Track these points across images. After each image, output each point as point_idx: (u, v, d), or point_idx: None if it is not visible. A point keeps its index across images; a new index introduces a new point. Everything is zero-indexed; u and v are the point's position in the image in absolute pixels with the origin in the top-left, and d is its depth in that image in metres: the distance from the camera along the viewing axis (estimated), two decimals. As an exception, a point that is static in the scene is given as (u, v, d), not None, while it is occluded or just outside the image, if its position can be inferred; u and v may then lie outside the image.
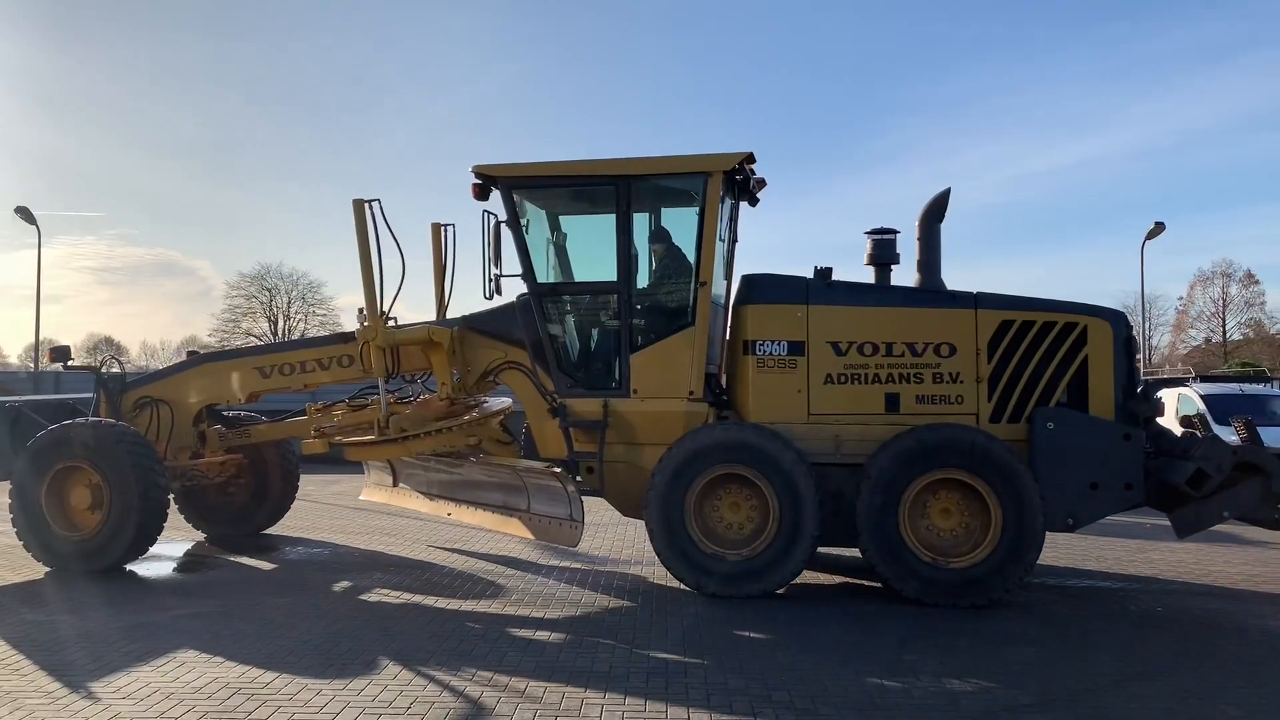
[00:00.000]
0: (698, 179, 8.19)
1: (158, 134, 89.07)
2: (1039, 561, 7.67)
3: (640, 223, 8.74)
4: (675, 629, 6.78)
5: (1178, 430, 8.61)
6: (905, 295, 8.35)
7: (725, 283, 8.95)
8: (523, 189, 8.61)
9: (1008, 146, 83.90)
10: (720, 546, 7.79)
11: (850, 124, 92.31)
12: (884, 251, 8.61)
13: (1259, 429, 8.07)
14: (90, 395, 9.89)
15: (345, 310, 62.71)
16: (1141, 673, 5.85)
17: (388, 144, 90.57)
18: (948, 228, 8.63)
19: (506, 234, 8.51)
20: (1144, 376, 9.20)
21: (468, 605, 7.53)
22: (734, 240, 9.05)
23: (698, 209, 8.22)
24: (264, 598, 7.74)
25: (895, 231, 8.66)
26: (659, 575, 8.39)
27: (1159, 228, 30.76)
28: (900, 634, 6.68)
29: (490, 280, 8.58)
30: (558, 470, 8.30)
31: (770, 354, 8.07)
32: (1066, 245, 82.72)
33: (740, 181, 8.55)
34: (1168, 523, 8.11)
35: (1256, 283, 53.57)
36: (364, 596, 7.82)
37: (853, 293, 8.23)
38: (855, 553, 7.97)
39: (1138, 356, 8.25)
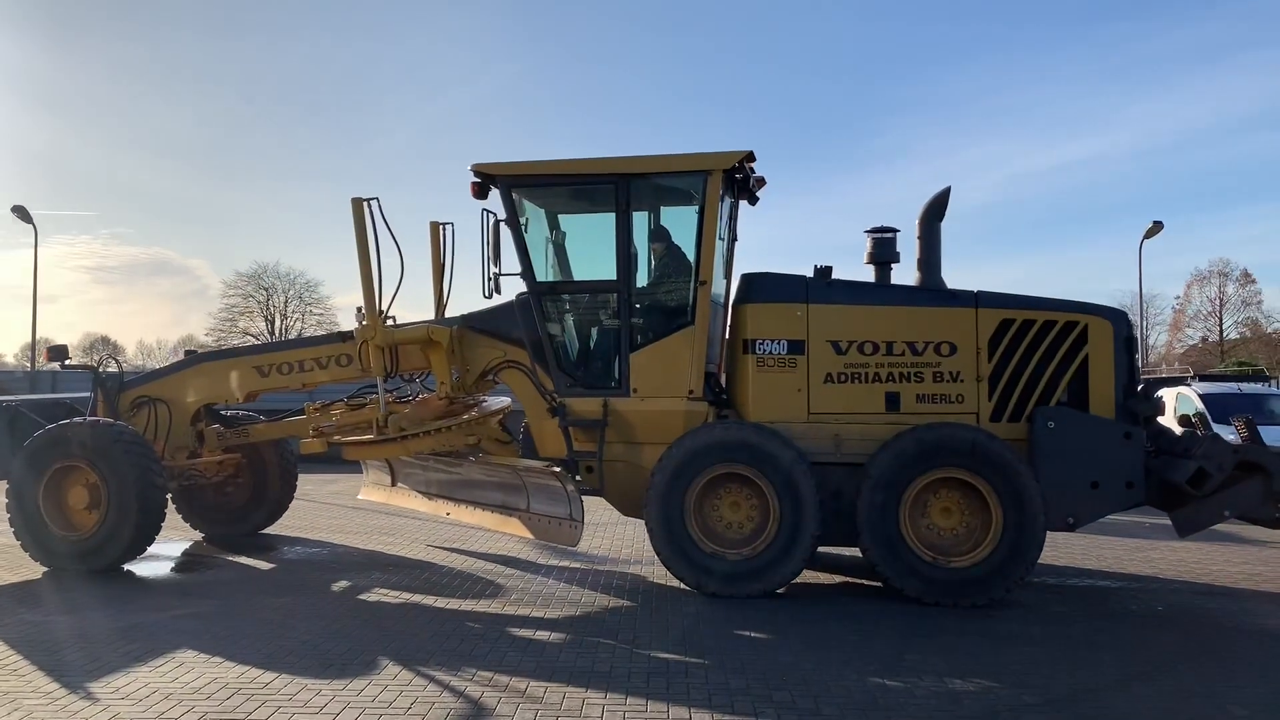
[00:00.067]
0: (697, 177, 8.17)
1: (155, 133, 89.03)
2: (1039, 560, 7.66)
3: (640, 221, 8.72)
4: (676, 629, 6.76)
5: (1176, 430, 8.60)
6: (905, 294, 8.33)
7: (725, 282, 8.93)
8: (522, 187, 8.59)
9: (1006, 146, 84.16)
10: (720, 546, 7.78)
11: (848, 123, 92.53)
12: (884, 250, 8.60)
13: (1258, 428, 8.06)
14: (87, 394, 9.86)
15: (342, 310, 62.80)
16: (1144, 672, 5.84)
17: (386, 143, 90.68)
18: (947, 227, 8.63)
19: (506, 233, 8.49)
20: (1142, 376, 9.18)
21: (467, 605, 7.51)
22: (734, 239, 9.04)
23: (697, 208, 8.20)
24: (263, 597, 7.71)
25: (895, 230, 8.65)
26: (659, 575, 8.37)
27: (1157, 227, 30.71)
28: (901, 633, 6.66)
29: (489, 279, 8.56)
30: (557, 469, 8.28)
31: (770, 353, 8.05)
32: (1063, 245, 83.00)
33: (740, 180, 8.53)
34: (1167, 522, 8.11)
35: (1253, 282, 53.79)
36: (363, 596, 7.79)
37: (853, 291, 8.21)
38: (855, 552, 7.96)
39: (1138, 355, 8.25)
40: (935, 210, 8.56)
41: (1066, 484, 7.56)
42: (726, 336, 8.79)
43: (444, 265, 9.90)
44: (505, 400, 9.83)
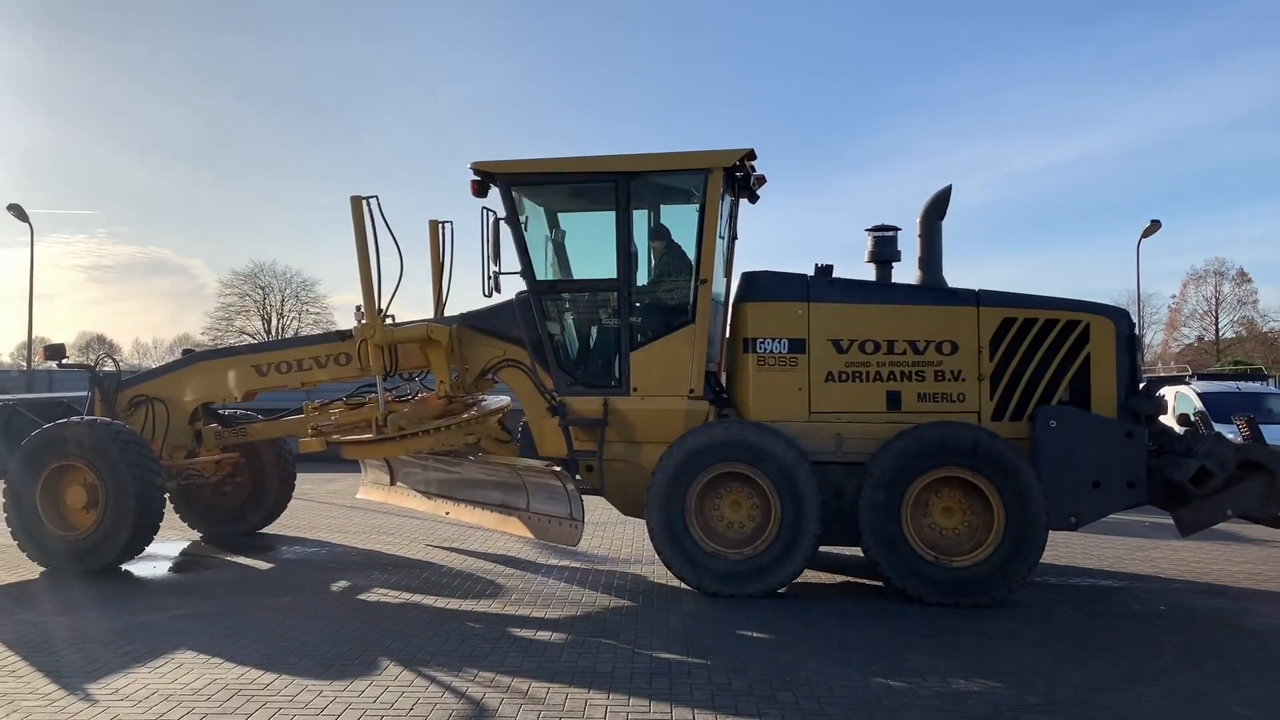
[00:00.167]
0: (698, 176, 8.14)
1: (152, 132, 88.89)
2: (1040, 560, 7.63)
3: (640, 220, 8.68)
4: (677, 629, 6.73)
5: (1176, 429, 8.58)
6: (906, 293, 8.31)
7: (725, 280, 8.90)
8: (522, 186, 8.56)
9: (1004, 145, 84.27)
10: (721, 545, 7.75)
11: (846, 123, 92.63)
12: (885, 249, 8.57)
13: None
14: (85, 394, 9.81)
15: (339, 309, 62.69)
16: (1147, 672, 5.82)
17: (383, 142, 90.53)
18: (946, 226, 8.61)
19: (505, 231, 8.45)
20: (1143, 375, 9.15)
21: (467, 605, 7.48)
22: (734, 237, 9.01)
23: (698, 206, 8.17)
24: (261, 598, 7.68)
25: (896, 229, 8.63)
26: (659, 574, 8.35)
27: (1155, 226, 30.74)
28: (904, 634, 6.64)
29: (489, 277, 8.53)
30: (557, 469, 8.25)
31: (771, 352, 8.03)
32: (1060, 244, 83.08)
33: (740, 178, 8.51)
34: (1167, 520, 8.10)
35: (1249, 281, 53.83)
36: (363, 596, 7.76)
37: (854, 290, 8.18)
38: (857, 552, 7.93)
39: (1140, 354, 8.23)
40: (936, 209, 8.54)
41: (1068, 483, 7.54)
42: (727, 335, 8.77)
43: (443, 264, 9.87)
44: (505, 399, 9.79)
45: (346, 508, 12.55)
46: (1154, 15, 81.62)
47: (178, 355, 10.64)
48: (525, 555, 9.49)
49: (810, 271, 8.19)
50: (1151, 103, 76.77)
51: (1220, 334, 54.19)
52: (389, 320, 8.80)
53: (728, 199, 8.46)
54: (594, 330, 8.71)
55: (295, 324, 58.20)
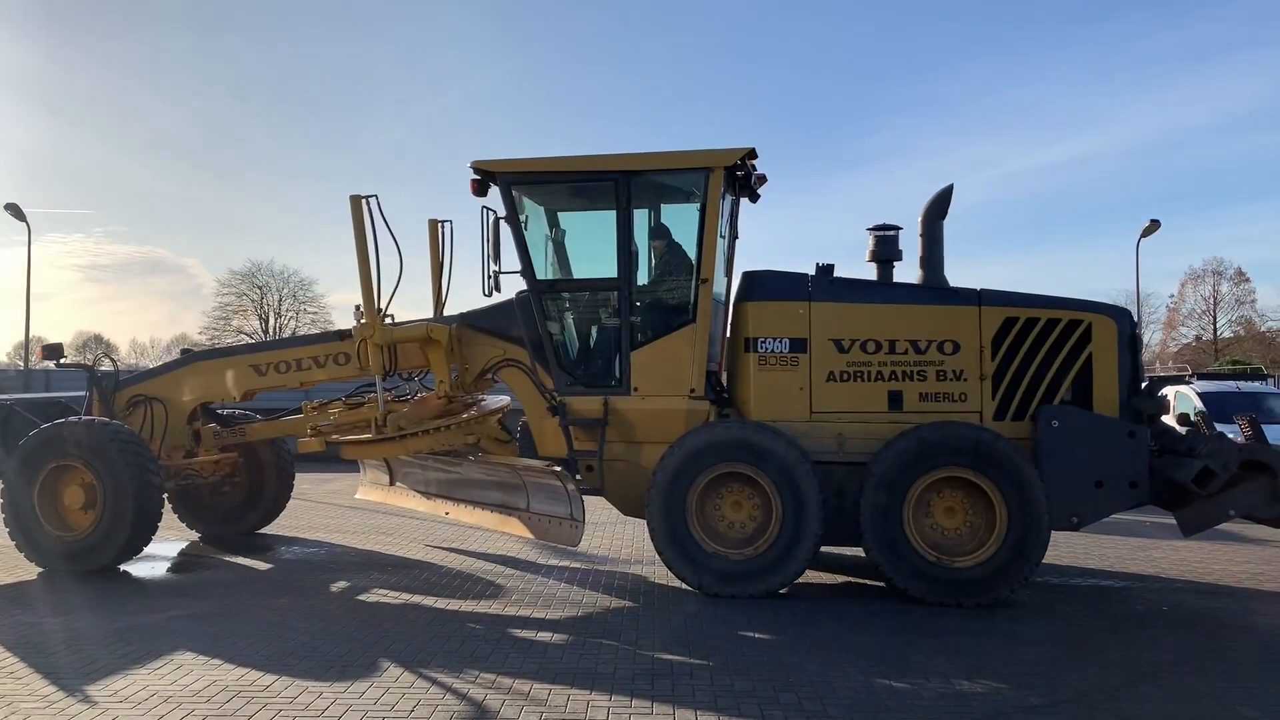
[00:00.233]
0: (699, 175, 8.12)
1: (148, 130, 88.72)
2: (1042, 560, 7.61)
3: (640, 219, 8.65)
4: (679, 630, 6.71)
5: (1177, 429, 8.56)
6: (908, 292, 8.28)
7: (726, 280, 8.87)
8: (522, 185, 8.53)
9: (1003, 144, 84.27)
10: (722, 546, 7.72)
11: (844, 122, 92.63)
12: (886, 248, 8.55)
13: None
14: (82, 393, 9.77)
15: (337, 308, 62.57)
16: (1151, 673, 5.80)
17: (382, 141, 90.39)
18: (946, 225, 8.58)
19: (506, 230, 8.43)
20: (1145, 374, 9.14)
21: (468, 606, 7.44)
22: (735, 237, 8.99)
23: (699, 205, 8.14)
24: (261, 598, 7.64)
25: (898, 228, 8.61)
26: (660, 575, 8.32)
27: (1155, 225, 30.73)
28: (906, 634, 6.61)
29: (489, 277, 8.51)
30: (558, 469, 8.22)
31: (772, 351, 8.00)
32: (1059, 243, 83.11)
33: (741, 178, 8.48)
34: (1168, 520, 8.08)
35: (1247, 280, 53.83)
36: (362, 597, 7.73)
37: (855, 290, 8.16)
38: (858, 552, 7.91)
39: (1142, 354, 8.21)
40: (938, 208, 8.52)
41: (1071, 483, 7.52)
42: (728, 335, 8.74)
43: (443, 263, 9.85)
44: (504, 399, 9.77)
45: (345, 508, 12.51)
46: (1153, 15, 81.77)
47: (175, 355, 10.63)
48: (525, 556, 9.46)
49: (811, 271, 8.17)
50: (1151, 102, 76.95)
51: (1218, 333, 54.23)
52: (388, 320, 8.77)
53: (729, 198, 8.44)
54: (594, 330, 8.69)
55: (293, 323, 58.17)
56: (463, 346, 8.86)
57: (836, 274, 8.16)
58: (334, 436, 9.05)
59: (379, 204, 8.41)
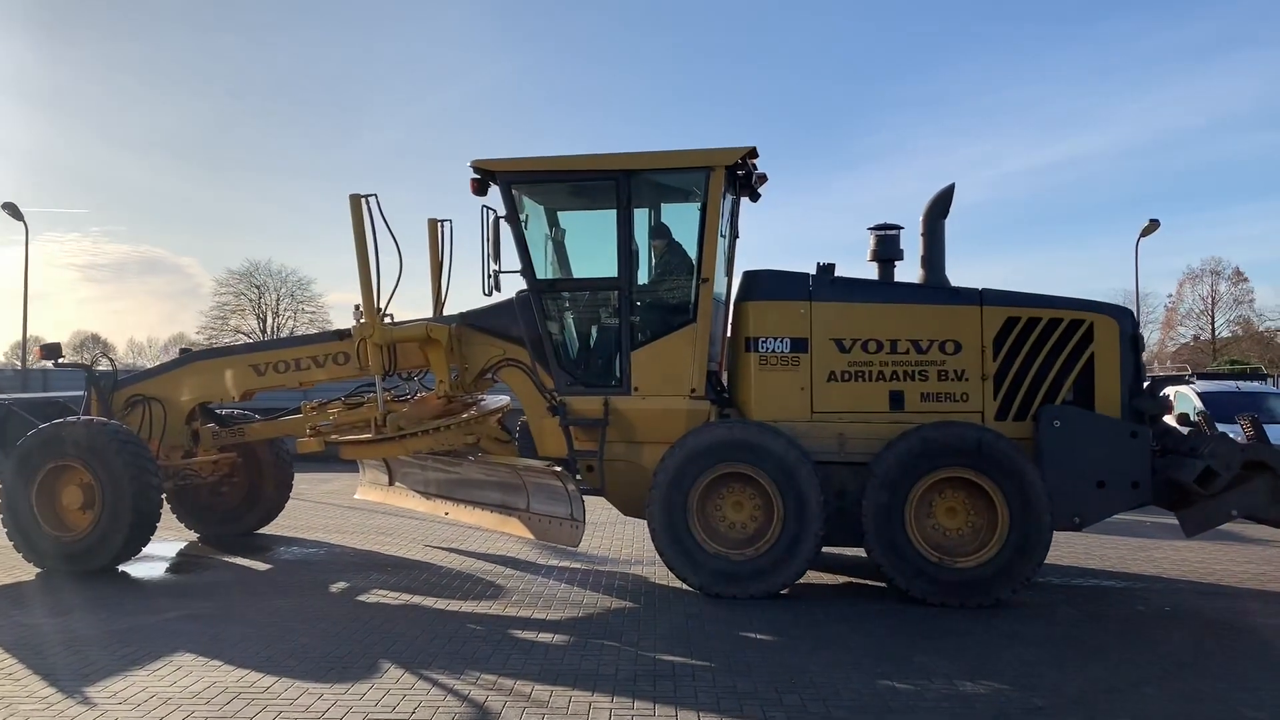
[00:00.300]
0: (699, 174, 8.09)
1: (145, 130, 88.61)
2: (1044, 561, 7.59)
3: (641, 218, 8.62)
4: (680, 630, 6.68)
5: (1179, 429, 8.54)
6: (909, 292, 8.26)
7: (727, 279, 8.85)
8: (522, 184, 8.50)
9: (1002, 144, 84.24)
10: (723, 546, 7.70)
11: (845, 121, 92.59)
12: (887, 247, 8.53)
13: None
14: (81, 393, 9.74)
15: (334, 308, 62.52)
16: (1154, 674, 5.78)
17: (380, 141, 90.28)
18: (947, 224, 8.55)
19: (505, 230, 8.40)
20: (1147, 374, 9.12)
21: (468, 606, 7.42)
22: (735, 236, 8.97)
23: (699, 204, 8.12)
24: (260, 599, 7.61)
25: (899, 227, 8.58)
26: (661, 575, 8.30)
27: (1154, 225, 30.72)
28: (908, 635, 6.59)
29: (489, 276, 8.49)
30: (558, 469, 8.19)
31: (773, 351, 7.98)
32: (1059, 243, 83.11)
33: (742, 177, 8.46)
34: (1169, 520, 8.06)
35: (1245, 280, 53.89)
36: (362, 598, 7.70)
37: (856, 289, 8.14)
38: (859, 552, 7.89)
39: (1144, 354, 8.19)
40: (939, 208, 8.50)
41: (1073, 483, 7.50)
42: (728, 335, 8.72)
43: (442, 263, 9.82)
44: (504, 399, 9.74)
45: (344, 508, 12.48)
46: (1152, 15, 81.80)
47: (173, 354, 10.61)
48: (525, 556, 9.43)
49: (812, 270, 8.14)
50: (1150, 102, 76.98)
51: (1216, 333, 54.28)
52: (388, 319, 8.74)
53: (729, 197, 8.41)
54: (594, 329, 8.66)
55: (291, 323, 58.16)
56: (462, 346, 8.84)
57: (837, 273, 8.14)
58: (333, 436, 9.01)
59: (378, 203, 8.39)
